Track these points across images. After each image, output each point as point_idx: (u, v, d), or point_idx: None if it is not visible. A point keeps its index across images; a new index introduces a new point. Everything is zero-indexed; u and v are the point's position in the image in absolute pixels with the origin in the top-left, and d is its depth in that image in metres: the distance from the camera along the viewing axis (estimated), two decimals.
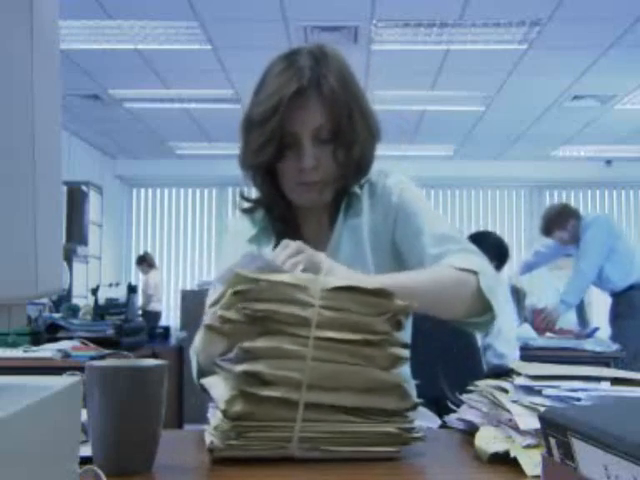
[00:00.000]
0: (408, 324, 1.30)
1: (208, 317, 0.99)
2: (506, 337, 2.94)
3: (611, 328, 4.44)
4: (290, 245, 1.07)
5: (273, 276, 0.88)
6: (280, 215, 1.35)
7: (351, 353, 0.88)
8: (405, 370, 1.24)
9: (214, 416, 0.90)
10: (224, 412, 0.85)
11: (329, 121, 1.24)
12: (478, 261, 1.19)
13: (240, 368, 0.85)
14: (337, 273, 1.04)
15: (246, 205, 1.39)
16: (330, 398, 0.87)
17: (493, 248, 3.22)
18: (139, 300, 6.45)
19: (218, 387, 0.92)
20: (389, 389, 0.90)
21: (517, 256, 9.67)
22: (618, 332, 4.23)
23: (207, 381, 0.98)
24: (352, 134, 1.25)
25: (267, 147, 1.23)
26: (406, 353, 0.92)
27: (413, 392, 1.20)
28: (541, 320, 4.17)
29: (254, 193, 1.40)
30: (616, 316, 4.48)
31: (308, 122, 1.23)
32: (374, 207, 1.34)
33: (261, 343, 0.86)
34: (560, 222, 4.54)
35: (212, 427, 0.88)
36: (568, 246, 4.60)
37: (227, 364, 0.90)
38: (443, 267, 1.16)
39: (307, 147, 1.24)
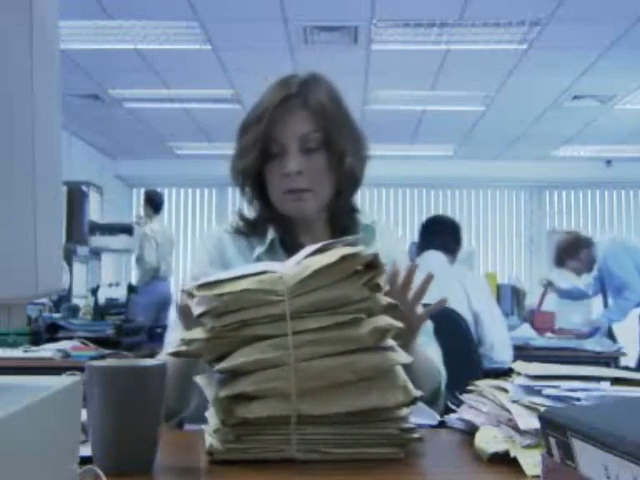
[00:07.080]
0: None
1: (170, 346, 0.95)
2: (500, 352, 2.93)
3: None
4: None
5: (235, 285, 0.84)
6: (281, 229, 1.33)
7: (334, 340, 0.84)
8: None
9: (213, 418, 0.89)
10: (223, 422, 0.85)
11: (316, 131, 1.27)
12: (441, 358, 1.35)
13: (222, 394, 0.84)
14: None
15: (242, 224, 1.36)
16: (324, 408, 0.85)
17: (451, 232, 3.22)
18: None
19: (212, 390, 0.91)
20: (383, 376, 0.88)
21: (517, 256, 9.69)
22: None
23: (200, 379, 0.97)
24: (343, 145, 1.28)
25: (252, 150, 1.27)
26: (391, 322, 0.87)
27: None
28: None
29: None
30: None
31: (293, 129, 1.27)
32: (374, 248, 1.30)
33: (238, 360, 0.84)
34: (572, 252, 4.52)
35: (211, 430, 0.88)
36: (584, 275, 4.60)
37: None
38: (432, 358, 1.30)
39: (292, 153, 1.26)
